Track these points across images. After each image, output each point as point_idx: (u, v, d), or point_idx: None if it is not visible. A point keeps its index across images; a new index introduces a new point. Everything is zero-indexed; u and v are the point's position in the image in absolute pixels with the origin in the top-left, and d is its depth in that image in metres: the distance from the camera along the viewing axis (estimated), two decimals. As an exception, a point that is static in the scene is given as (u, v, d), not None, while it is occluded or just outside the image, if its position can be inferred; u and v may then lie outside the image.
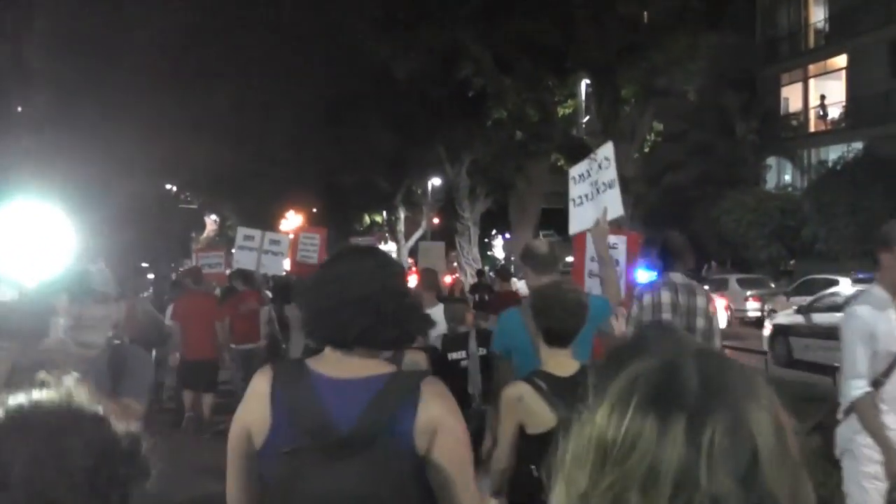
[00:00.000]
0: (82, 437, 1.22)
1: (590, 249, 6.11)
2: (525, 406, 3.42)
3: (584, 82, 20.75)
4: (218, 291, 13.20)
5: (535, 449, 3.26)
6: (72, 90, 29.30)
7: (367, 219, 60.63)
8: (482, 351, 6.19)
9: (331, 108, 40.10)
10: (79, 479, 1.18)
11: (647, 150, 20.41)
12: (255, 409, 2.24)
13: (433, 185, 41.43)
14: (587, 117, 22.44)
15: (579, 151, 19.01)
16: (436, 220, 44.77)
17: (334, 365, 2.24)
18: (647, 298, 5.63)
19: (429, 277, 8.72)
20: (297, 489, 2.09)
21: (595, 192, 5.62)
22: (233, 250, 13.97)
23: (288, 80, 34.41)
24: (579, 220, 5.90)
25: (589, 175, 5.80)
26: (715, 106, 32.91)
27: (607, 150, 5.76)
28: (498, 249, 49.50)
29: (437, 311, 7.32)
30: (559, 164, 21.57)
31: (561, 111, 19.79)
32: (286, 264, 13.39)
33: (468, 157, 31.12)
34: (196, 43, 30.19)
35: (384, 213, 56.65)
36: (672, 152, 29.93)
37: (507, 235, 50.74)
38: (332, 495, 2.05)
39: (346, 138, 39.59)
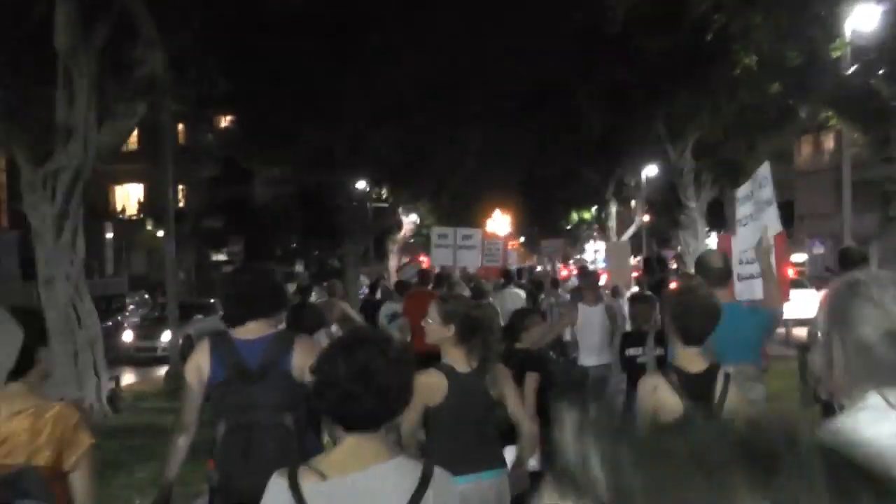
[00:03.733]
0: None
1: (736, 253, 6.41)
2: (658, 396, 3.78)
3: (850, 21, 15.48)
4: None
5: None
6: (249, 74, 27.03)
7: (574, 216, 56.47)
8: (659, 350, 6.40)
9: (531, 87, 36.15)
10: None
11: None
12: (202, 358, 4.05)
13: (647, 177, 36.63)
14: (854, 66, 16.96)
15: (857, 103, 13.89)
16: (646, 218, 40.14)
17: (244, 331, 4.06)
18: None
19: (588, 279, 9.94)
20: (228, 402, 3.94)
21: (757, 212, 5.79)
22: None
23: (482, 57, 30.86)
24: (744, 239, 6.12)
25: (752, 195, 5.96)
26: None
27: (765, 170, 5.92)
28: (713, 247, 43.85)
29: (596, 310, 8.76)
30: (830, 122, 16.25)
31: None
32: (479, 259, 14.27)
33: (693, 134, 25.87)
34: (377, 17, 26.96)
35: (593, 209, 52.34)
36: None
37: (723, 231, 45.05)
38: (248, 404, 3.86)
39: (548, 122, 35.48)
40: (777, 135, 24.94)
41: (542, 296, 13.53)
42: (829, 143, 48.32)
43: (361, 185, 36.72)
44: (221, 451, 3.94)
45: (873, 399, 1.80)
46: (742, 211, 6.15)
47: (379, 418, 2.40)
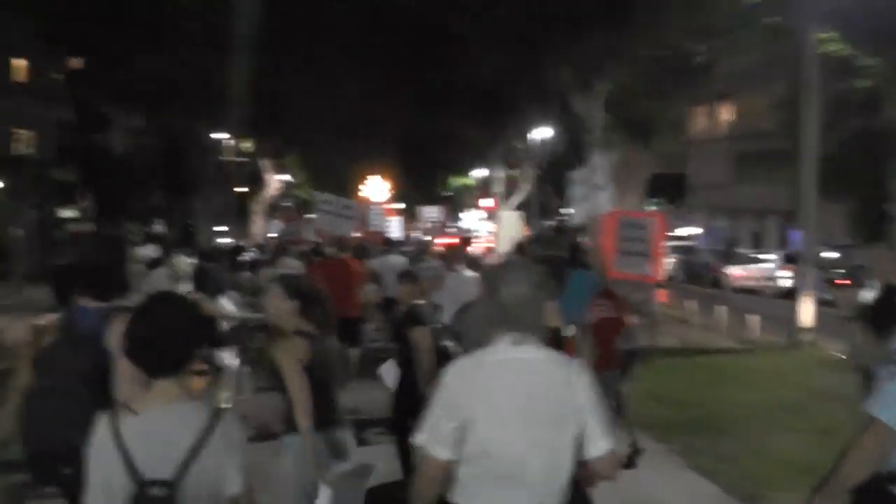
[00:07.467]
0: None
1: (619, 232, 8.16)
2: None
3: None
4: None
5: None
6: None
7: (455, 182, 52.75)
8: None
9: (410, 29, 31.80)
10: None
11: None
12: (43, 320, 4.41)
13: (541, 139, 33.15)
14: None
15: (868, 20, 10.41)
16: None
17: (87, 300, 4.43)
18: None
19: (454, 250, 11.74)
20: (45, 363, 4.29)
21: (590, 194, 7.51)
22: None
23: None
24: (579, 215, 8.22)
25: (587, 179, 7.75)
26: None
27: (599, 158, 7.73)
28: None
29: (462, 276, 9.83)
30: (823, 47, 12.65)
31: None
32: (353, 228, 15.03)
33: (605, 84, 21.90)
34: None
35: (473, 173, 48.82)
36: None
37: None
38: (64, 367, 4.13)
39: (430, 73, 31.08)
40: (696, 92, 21.56)
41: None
42: (723, 113, 46.05)
43: (225, 137, 31.89)
44: (24, 407, 4.29)
45: (505, 338, 2.98)
46: (578, 192, 8.66)
47: (176, 365, 2.83)
